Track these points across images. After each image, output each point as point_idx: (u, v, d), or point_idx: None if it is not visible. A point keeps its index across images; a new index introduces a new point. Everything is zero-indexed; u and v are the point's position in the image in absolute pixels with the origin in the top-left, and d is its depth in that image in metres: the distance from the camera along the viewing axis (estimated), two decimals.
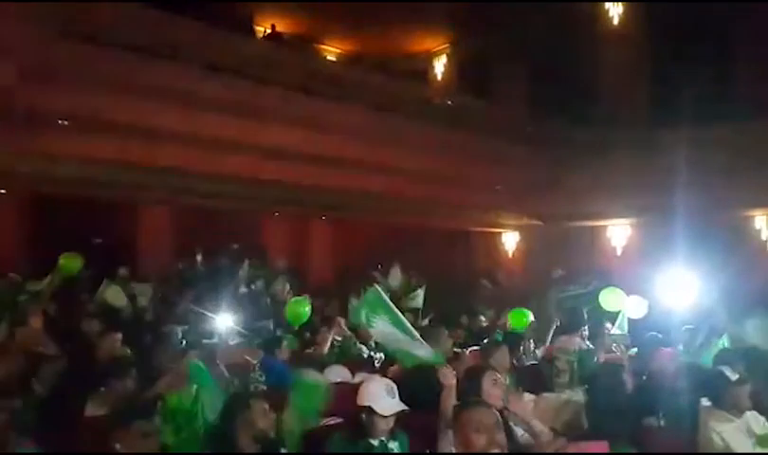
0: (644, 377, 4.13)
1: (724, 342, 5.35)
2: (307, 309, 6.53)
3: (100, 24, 8.04)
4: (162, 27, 8.70)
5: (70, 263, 7.14)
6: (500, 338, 5.82)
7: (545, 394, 3.93)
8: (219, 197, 11.52)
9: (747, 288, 9.27)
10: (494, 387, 3.32)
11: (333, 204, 12.51)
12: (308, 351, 6.03)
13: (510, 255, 15.59)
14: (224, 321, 5.67)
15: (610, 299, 6.10)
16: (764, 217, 12.30)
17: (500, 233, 15.64)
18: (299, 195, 11.64)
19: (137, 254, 12.63)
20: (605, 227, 14.05)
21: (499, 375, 3.49)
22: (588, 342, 5.80)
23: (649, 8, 13.30)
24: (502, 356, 4.52)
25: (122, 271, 9.65)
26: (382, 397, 3.04)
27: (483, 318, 6.98)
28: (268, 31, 14.16)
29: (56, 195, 10.88)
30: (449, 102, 11.76)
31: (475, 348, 5.59)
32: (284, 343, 5.51)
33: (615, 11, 14.14)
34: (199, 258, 14.34)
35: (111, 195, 11.12)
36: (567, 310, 6.94)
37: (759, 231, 12.40)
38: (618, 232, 13.95)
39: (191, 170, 9.95)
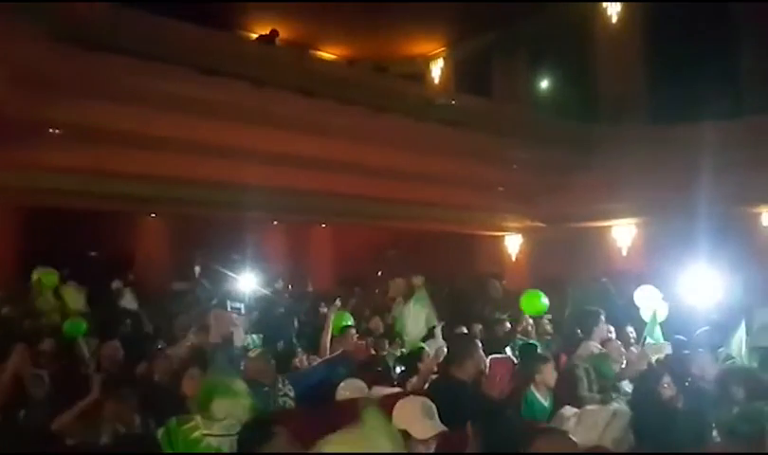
0: (686, 383, 3.86)
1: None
2: (349, 322, 6.28)
3: (93, 29, 7.74)
4: (157, 31, 8.40)
5: (46, 278, 6.82)
6: (535, 346, 5.49)
7: (588, 407, 3.64)
8: (217, 206, 11.22)
9: (756, 286, 9.03)
10: None
11: (333, 210, 12.23)
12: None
13: (514, 258, 15.36)
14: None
15: (645, 300, 5.68)
16: None
17: (502, 237, 15.40)
18: (299, 202, 11.37)
19: (133, 266, 12.32)
20: (610, 227, 13.83)
21: None
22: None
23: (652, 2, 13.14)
24: (548, 373, 4.13)
25: (116, 284, 9.32)
26: (419, 419, 2.75)
27: (508, 325, 6.63)
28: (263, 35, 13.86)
29: (48, 208, 10.55)
30: (453, 102, 11.46)
31: (497, 356, 5.30)
32: (299, 351, 5.19)
33: (614, 9, 13.98)
34: (197, 270, 14.08)
35: (106, 206, 10.80)
36: (580, 314, 6.59)
37: (767, 228, 12.20)
38: (624, 232, 13.73)
39: (188, 178, 9.70)
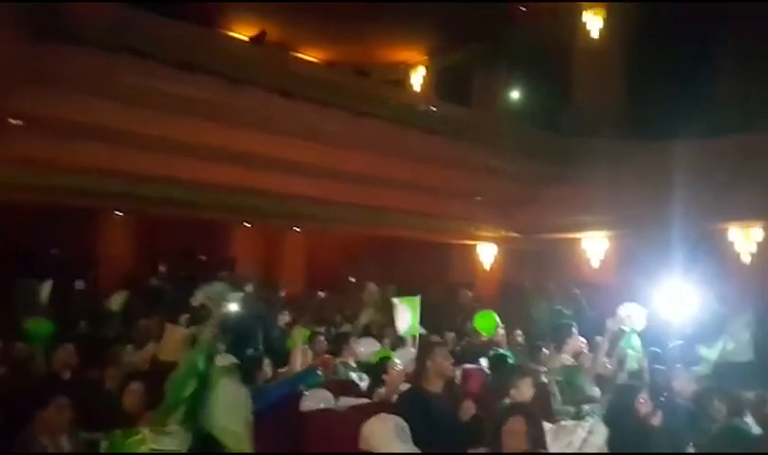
0: (662, 398, 3.75)
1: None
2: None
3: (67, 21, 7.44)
4: (134, 25, 8.13)
5: None
6: (506, 357, 5.32)
7: (564, 423, 3.49)
8: (187, 205, 10.94)
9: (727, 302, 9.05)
10: None
11: (307, 213, 12.04)
12: (281, 370, 5.49)
13: (487, 268, 15.29)
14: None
15: (633, 316, 5.47)
16: (738, 230, 12.20)
17: (475, 246, 15.33)
18: (272, 204, 11.15)
19: (96, 265, 11.96)
20: (583, 239, 13.84)
21: None
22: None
23: (629, 17, 13.21)
24: (525, 388, 3.89)
25: (79, 284, 8.97)
26: (391, 441, 2.54)
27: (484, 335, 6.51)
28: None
29: (6, 203, 10.14)
30: (433, 108, 11.34)
31: (469, 366, 5.16)
32: (266, 362, 4.94)
33: (594, 24, 14.03)
34: (162, 269, 13.74)
35: (73, 203, 10.46)
36: (549, 324, 6.50)
37: (732, 244, 12.29)
38: (597, 245, 13.74)
39: (157, 175, 9.42)
